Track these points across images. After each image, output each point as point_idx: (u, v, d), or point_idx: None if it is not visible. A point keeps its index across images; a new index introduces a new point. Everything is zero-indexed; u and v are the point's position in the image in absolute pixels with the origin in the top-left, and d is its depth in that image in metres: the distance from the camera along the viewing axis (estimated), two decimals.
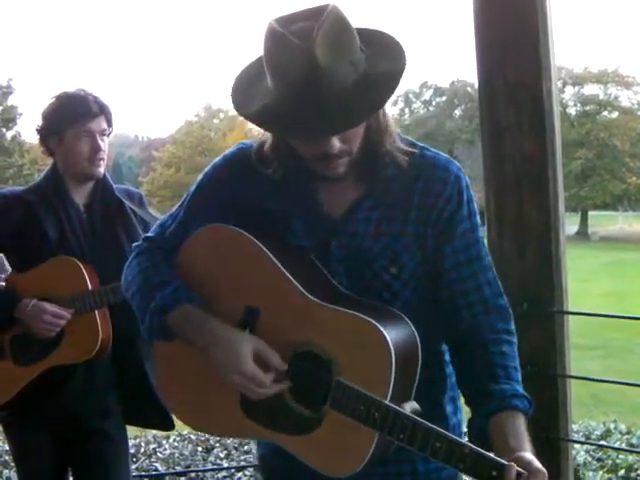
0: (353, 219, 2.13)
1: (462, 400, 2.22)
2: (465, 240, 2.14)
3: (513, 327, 2.16)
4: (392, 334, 1.92)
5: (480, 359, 2.07)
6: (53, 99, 3.43)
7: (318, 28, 1.82)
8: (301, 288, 2.03)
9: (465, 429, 2.23)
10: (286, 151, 2.09)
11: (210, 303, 2.13)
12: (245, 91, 2.02)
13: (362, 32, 1.98)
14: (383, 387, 1.89)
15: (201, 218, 2.21)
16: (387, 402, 1.88)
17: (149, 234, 2.34)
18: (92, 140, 3.34)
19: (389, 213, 2.12)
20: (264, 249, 2.08)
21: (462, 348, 2.13)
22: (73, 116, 3.34)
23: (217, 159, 2.28)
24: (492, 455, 1.81)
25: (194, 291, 2.14)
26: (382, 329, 1.90)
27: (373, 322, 1.92)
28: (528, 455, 1.83)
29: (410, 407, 1.93)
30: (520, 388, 2.02)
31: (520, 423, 1.95)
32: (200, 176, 2.28)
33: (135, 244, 2.34)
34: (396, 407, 1.88)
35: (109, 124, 3.43)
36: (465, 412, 2.22)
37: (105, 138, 3.40)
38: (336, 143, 1.96)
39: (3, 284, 2.79)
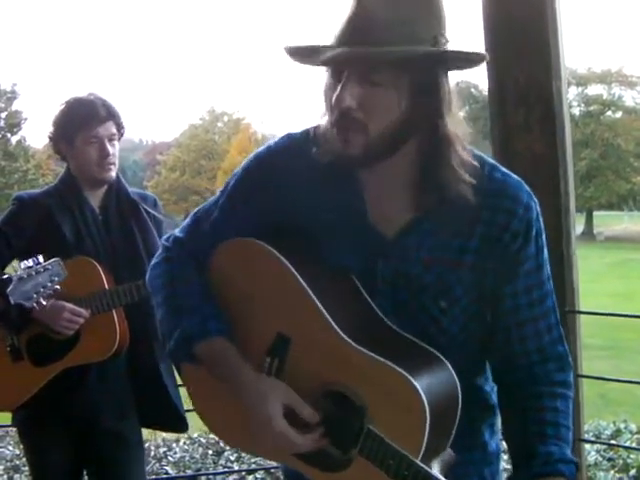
0: (404, 242, 1.92)
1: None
2: (528, 281, 1.94)
3: (571, 378, 2.00)
4: (430, 387, 1.78)
5: (531, 414, 1.92)
6: (63, 105, 3.46)
7: None
8: (334, 325, 1.87)
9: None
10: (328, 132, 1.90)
11: (239, 324, 2.01)
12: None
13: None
14: (415, 446, 1.76)
15: (235, 220, 2.06)
16: (418, 462, 1.76)
17: (180, 235, 2.14)
18: (100, 145, 3.37)
19: (446, 241, 1.91)
20: (297, 276, 1.93)
21: (513, 397, 1.98)
22: (81, 122, 3.36)
23: (261, 150, 2.08)
24: None
25: (223, 310, 2.01)
26: (418, 387, 1.75)
27: (408, 377, 1.76)
28: None
29: (442, 460, 1.82)
30: (568, 451, 1.88)
31: None
32: (239, 169, 2.09)
33: (165, 242, 2.17)
34: (427, 469, 1.75)
35: (119, 128, 3.45)
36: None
37: (115, 143, 3.43)
38: (346, 95, 1.78)
39: (58, 287, 2.83)
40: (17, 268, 2.98)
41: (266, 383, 1.92)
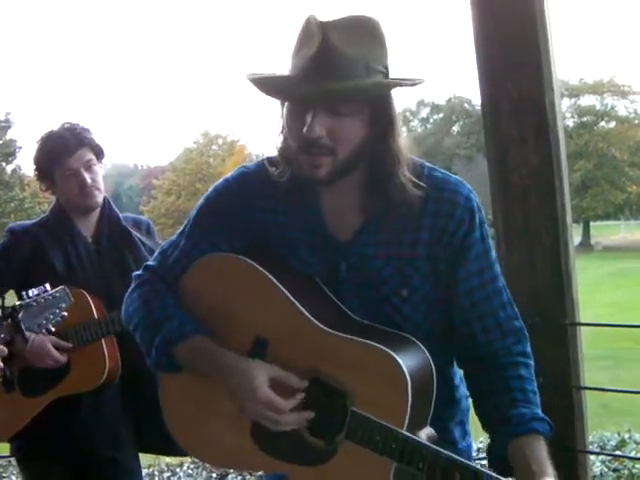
0: (361, 241, 2.10)
1: (473, 425, 2.21)
2: (478, 263, 2.12)
3: (529, 349, 2.15)
4: (407, 361, 1.88)
5: (498, 384, 2.06)
6: (38, 142, 3.49)
7: (342, 17, 1.93)
8: (310, 316, 1.99)
9: (474, 450, 2.25)
10: (292, 154, 2.06)
11: (217, 334, 2.09)
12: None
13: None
14: (400, 417, 1.85)
15: (203, 245, 2.19)
16: (404, 432, 1.84)
17: (150, 263, 2.30)
18: (77, 176, 3.39)
19: (398, 237, 2.09)
20: (270, 277, 2.05)
21: (479, 373, 2.13)
22: (54, 158, 3.40)
23: (218, 182, 2.26)
24: None
25: (200, 322, 2.11)
26: (396, 357, 1.86)
27: (386, 350, 1.87)
28: None
29: (426, 434, 1.90)
30: (539, 411, 2.00)
31: (541, 447, 1.93)
32: (200, 201, 2.26)
33: (136, 273, 2.31)
34: (414, 437, 1.84)
35: (96, 151, 3.45)
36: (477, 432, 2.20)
37: (94, 168, 3.43)
38: (316, 127, 1.93)
39: (65, 314, 2.84)
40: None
41: (249, 361, 2.02)
